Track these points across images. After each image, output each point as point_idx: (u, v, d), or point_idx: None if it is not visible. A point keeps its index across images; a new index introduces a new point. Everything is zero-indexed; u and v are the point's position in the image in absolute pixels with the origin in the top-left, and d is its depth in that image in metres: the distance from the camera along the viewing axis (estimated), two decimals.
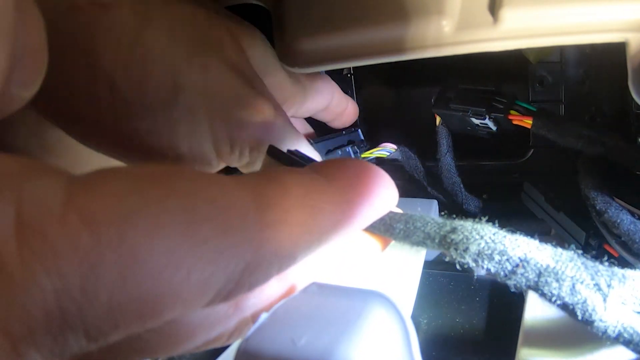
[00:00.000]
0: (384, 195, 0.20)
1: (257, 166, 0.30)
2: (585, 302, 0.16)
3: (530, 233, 0.18)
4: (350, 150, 0.42)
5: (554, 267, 0.16)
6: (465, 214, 0.41)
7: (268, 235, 0.15)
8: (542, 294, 0.16)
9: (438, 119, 0.41)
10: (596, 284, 0.16)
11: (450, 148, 0.41)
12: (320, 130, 0.45)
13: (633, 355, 0.16)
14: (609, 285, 0.16)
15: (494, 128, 0.38)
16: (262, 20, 0.35)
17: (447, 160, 0.41)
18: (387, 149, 0.42)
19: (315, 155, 0.34)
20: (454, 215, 0.20)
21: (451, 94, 0.39)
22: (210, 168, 0.29)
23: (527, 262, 0.17)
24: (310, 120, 0.44)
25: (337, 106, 0.42)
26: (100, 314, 0.12)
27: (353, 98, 0.44)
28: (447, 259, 0.18)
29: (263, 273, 0.16)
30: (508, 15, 0.26)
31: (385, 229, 0.20)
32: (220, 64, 0.28)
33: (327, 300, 0.19)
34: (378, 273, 0.29)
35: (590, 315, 0.16)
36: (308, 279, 0.20)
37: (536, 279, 0.16)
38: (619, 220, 0.29)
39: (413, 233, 0.19)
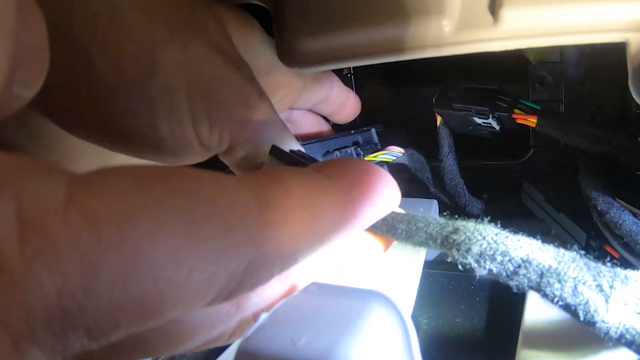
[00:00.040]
0: (386, 196, 0.20)
1: (239, 154, 0.29)
2: (587, 303, 0.16)
3: (530, 233, 0.18)
4: (353, 151, 0.41)
5: (556, 268, 0.16)
6: (467, 214, 0.41)
7: (270, 235, 0.15)
8: (545, 295, 0.16)
9: (439, 119, 0.40)
10: (598, 285, 0.16)
11: (452, 148, 0.40)
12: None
13: (634, 356, 0.16)
14: (611, 287, 0.16)
15: (497, 127, 0.37)
16: (263, 21, 0.35)
17: (449, 161, 0.40)
18: (393, 153, 0.40)
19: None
20: (456, 216, 0.20)
21: (453, 93, 0.38)
22: (193, 155, 0.29)
23: (530, 263, 0.16)
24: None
25: (338, 97, 0.42)
26: (101, 313, 0.12)
27: None
28: (449, 260, 0.18)
29: (265, 272, 0.16)
30: (508, 15, 0.26)
31: (388, 229, 0.20)
32: (201, 43, 0.27)
33: (327, 300, 0.19)
34: (378, 273, 0.29)
35: (593, 316, 0.16)
36: (309, 279, 0.20)
37: (538, 280, 0.16)
38: (621, 221, 0.29)
39: (415, 234, 0.19)
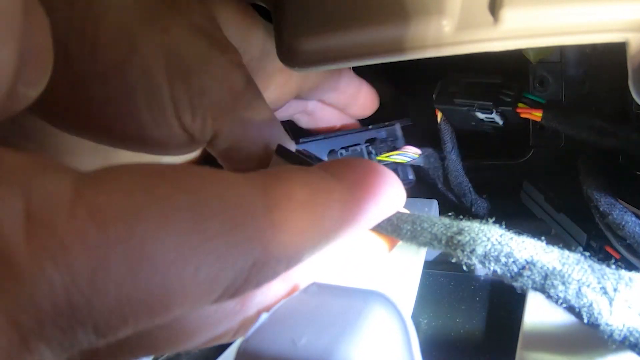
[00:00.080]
0: (391, 195, 0.20)
1: (224, 144, 0.28)
2: (591, 305, 0.16)
3: (530, 233, 0.18)
4: (364, 149, 0.38)
5: (560, 270, 0.16)
6: (472, 214, 0.41)
7: (276, 233, 0.15)
8: (548, 297, 0.16)
9: (439, 115, 0.40)
10: (602, 287, 0.16)
11: (455, 145, 0.40)
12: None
13: (637, 358, 0.16)
14: (615, 289, 0.16)
15: (500, 122, 0.37)
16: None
17: (452, 157, 0.39)
18: (408, 154, 0.38)
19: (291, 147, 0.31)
20: (461, 216, 0.20)
21: (455, 88, 0.38)
22: (179, 144, 0.27)
23: (534, 265, 0.17)
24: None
25: (348, 86, 0.40)
26: (108, 309, 0.12)
27: None
28: (453, 260, 0.18)
29: (271, 270, 0.16)
30: (508, 15, 0.26)
31: (393, 229, 0.20)
32: (183, 26, 0.26)
33: (327, 300, 0.19)
34: (378, 273, 0.29)
35: (596, 318, 0.16)
36: (314, 278, 0.21)
37: (542, 282, 0.16)
38: (623, 223, 0.29)
39: (420, 234, 0.19)
